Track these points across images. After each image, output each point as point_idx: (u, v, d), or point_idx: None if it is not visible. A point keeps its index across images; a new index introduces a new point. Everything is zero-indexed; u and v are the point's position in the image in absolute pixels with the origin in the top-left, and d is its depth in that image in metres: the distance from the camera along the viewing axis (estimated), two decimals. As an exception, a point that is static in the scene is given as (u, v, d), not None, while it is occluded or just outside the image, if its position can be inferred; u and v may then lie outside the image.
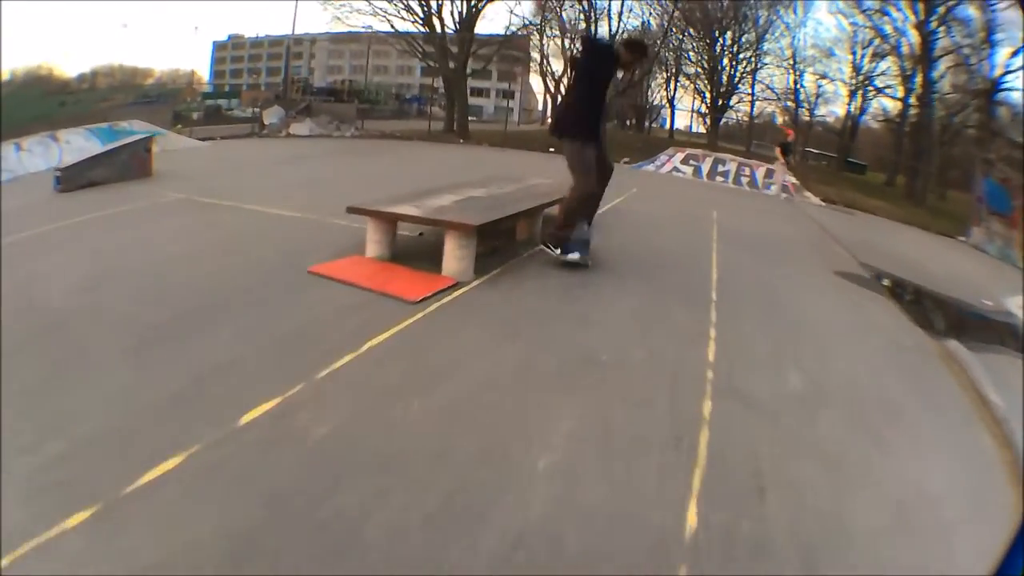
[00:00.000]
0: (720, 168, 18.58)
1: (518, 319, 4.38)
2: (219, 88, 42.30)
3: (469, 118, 39.19)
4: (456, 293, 4.75)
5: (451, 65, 23.81)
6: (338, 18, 27.51)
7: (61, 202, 8.68)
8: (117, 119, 17.09)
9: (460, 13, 23.48)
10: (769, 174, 17.86)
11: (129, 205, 7.99)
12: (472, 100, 45.60)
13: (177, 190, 9.00)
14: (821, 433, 3.29)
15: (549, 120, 33.43)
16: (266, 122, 21.78)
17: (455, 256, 5.01)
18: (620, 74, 7.09)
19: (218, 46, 51.42)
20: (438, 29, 23.61)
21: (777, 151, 16.03)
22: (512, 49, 33.10)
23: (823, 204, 17.08)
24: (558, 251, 5.73)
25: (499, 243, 6.11)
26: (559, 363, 3.70)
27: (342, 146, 18.20)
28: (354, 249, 5.60)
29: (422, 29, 23.87)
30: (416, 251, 5.62)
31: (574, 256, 5.72)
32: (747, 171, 18.25)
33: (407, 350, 3.74)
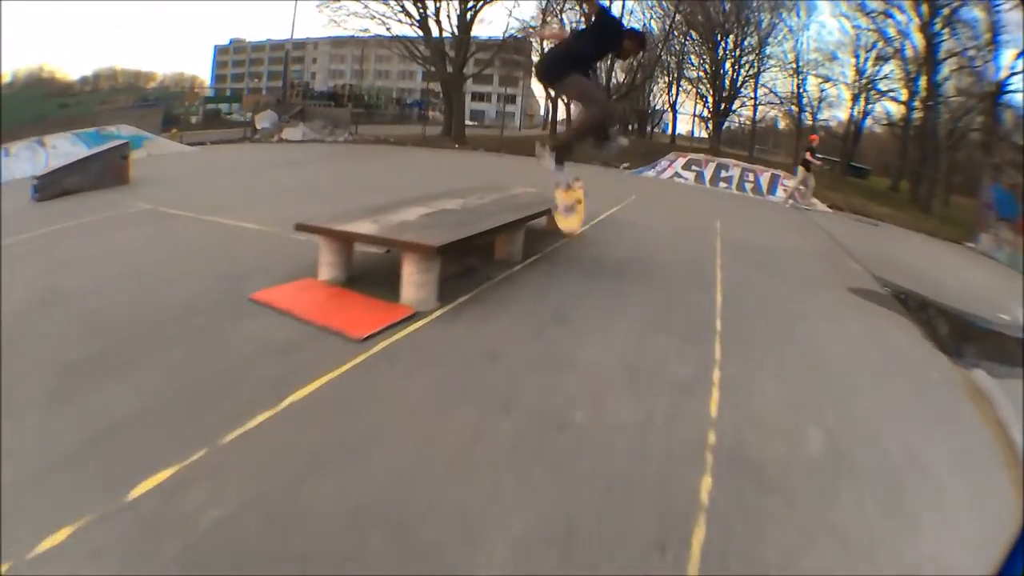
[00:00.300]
0: (723, 173, 17.75)
1: (480, 365, 3.62)
2: (220, 92, 41.86)
3: (471, 123, 38.63)
4: (411, 327, 4.01)
5: (448, 69, 23.09)
6: (334, 21, 26.87)
7: (34, 212, 8.22)
8: (109, 123, 16.60)
9: (457, 16, 22.76)
10: (775, 179, 17.12)
11: (93, 216, 7.43)
12: (474, 105, 45.17)
13: (147, 199, 8.38)
14: (843, 515, 2.59)
15: (549, 124, 32.85)
16: (258, 126, 21.19)
17: (414, 282, 4.27)
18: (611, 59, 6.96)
19: (219, 50, 51.14)
20: (434, 32, 22.89)
21: (808, 156, 15.16)
22: (513, 53, 32.54)
23: (830, 211, 16.33)
24: (554, 165, 5.83)
25: (473, 263, 5.41)
26: (520, 429, 2.97)
27: (333, 151, 17.49)
28: (309, 270, 4.89)
29: (418, 32, 23.18)
30: (379, 273, 4.90)
31: (561, 175, 5.94)
32: (751, 176, 17.47)
33: (335, 408, 3.02)
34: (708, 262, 7.02)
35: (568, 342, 4.07)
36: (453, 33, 22.75)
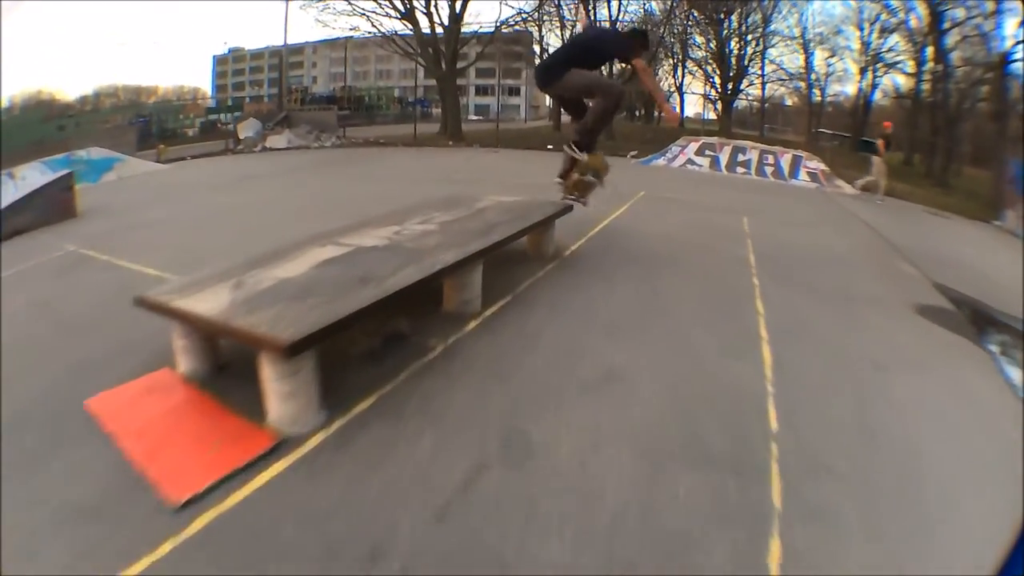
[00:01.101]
0: (740, 158, 15.71)
1: (361, 539, 2.01)
2: (222, 102, 40.49)
3: (476, 117, 36.92)
4: (267, 473, 2.41)
5: (441, 64, 21.30)
6: (320, 21, 25.24)
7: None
8: (101, 143, 15.34)
9: (448, 7, 20.94)
10: (796, 161, 15.25)
11: (22, 264, 6.09)
12: (479, 99, 43.48)
13: (77, 238, 6.99)
14: None
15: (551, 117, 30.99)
16: (241, 136, 19.56)
17: (276, 392, 2.65)
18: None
19: (218, 60, 49.79)
20: (424, 27, 21.09)
21: (880, 144, 13.54)
22: (512, 45, 30.82)
23: (859, 193, 14.49)
24: (584, 154, 5.74)
25: (399, 327, 3.78)
26: None
27: (313, 159, 15.78)
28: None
29: (407, 28, 21.36)
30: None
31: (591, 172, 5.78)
32: (770, 159, 15.49)
33: None
34: (744, 290, 5.30)
35: (537, 475, 2.43)
36: (443, 26, 20.92)
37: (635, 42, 5.55)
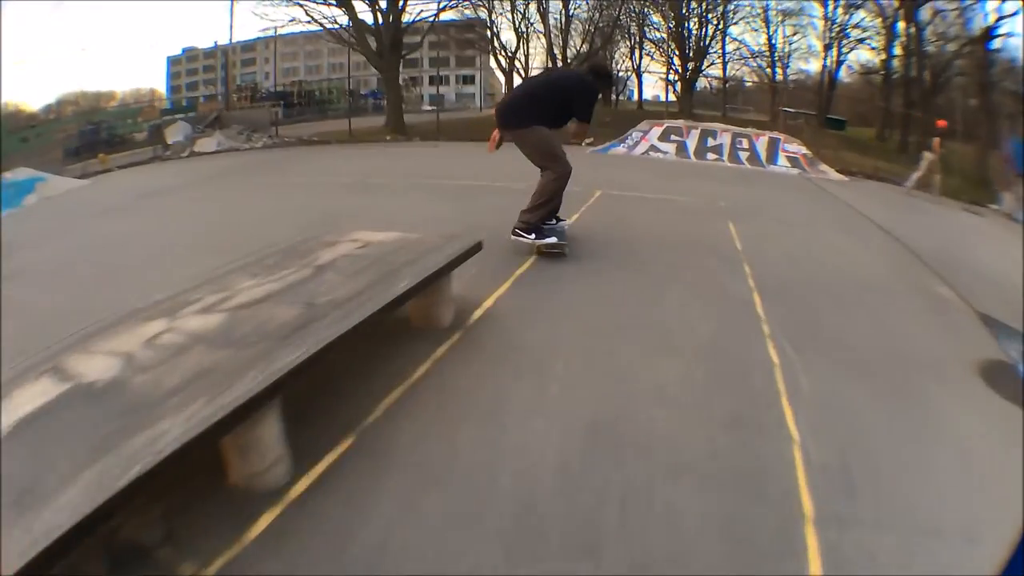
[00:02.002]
0: (710, 142, 13.36)
1: None
2: (177, 103, 37.74)
3: (430, 107, 34.31)
4: None
5: (379, 53, 18.68)
6: (257, 14, 22.56)
7: None
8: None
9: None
10: (774, 144, 12.96)
11: None
12: (432, 89, 40.77)
13: None
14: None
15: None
16: (169, 141, 16.92)
17: None
18: None
19: (172, 60, 46.32)
20: (368, 15, 18.45)
21: (935, 143, 11.93)
22: (466, 32, 28.32)
23: (845, 179, 12.30)
24: (532, 236, 4.79)
25: (135, 541, 1.72)
26: None
27: (234, 164, 13.16)
28: None
29: (342, 17, 18.69)
30: None
31: (551, 240, 4.83)
32: (744, 143, 13.19)
33: None
34: (758, 370, 3.21)
35: None
36: (381, 12, 18.21)
37: (594, 100, 4.97)
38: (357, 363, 2.95)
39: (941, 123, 12.98)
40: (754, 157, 12.82)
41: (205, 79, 45.36)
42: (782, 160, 12.66)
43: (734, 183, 10.30)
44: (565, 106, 4.81)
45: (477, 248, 3.54)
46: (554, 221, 5.09)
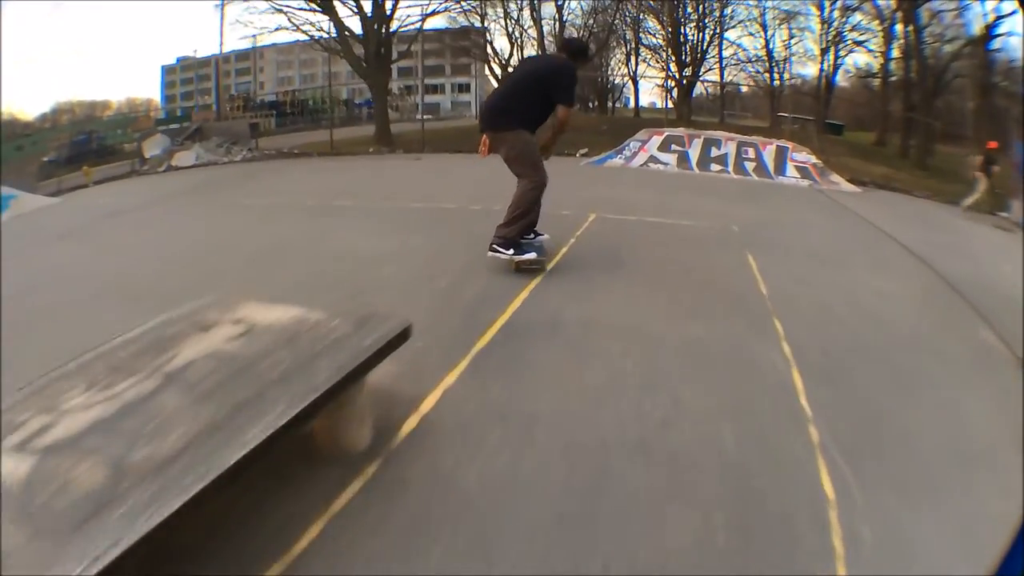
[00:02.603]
0: (714, 152, 12.10)
1: None
2: (172, 112, 36.76)
3: (426, 116, 33.15)
4: None
5: (364, 61, 17.49)
6: (240, 22, 21.50)
7: None
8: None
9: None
10: (782, 154, 11.73)
11: None
12: (429, 98, 39.66)
13: None
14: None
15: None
16: (146, 155, 15.78)
17: None
18: None
19: (167, 70, 45.24)
20: (354, 21, 17.29)
21: (991, 168, 10.98)
22: (461, 40, 27.29)
23: (858, 190, 11.08)
24: (511, 252, 4.47)
25: None
26: None
27: (205, 180, 11.90)
28: None
29: (328, 25, 17.49)
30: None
31: (531, 255, 4.54)
32: (750, 152, 11.92)
33: None
34: (805, 501, 2.15)
35: None
36: (367, 17, 16.96)
37: (573, 80, 4.56)
38: (216, 518, 1.76)
39: (992, 145, 11.86)
40: (761, 168, 11.58)
41: (200, 88, 44.29)
42: (791, 170, 11.44)
43: (744, 200, 9.08)
44: (546, 95, 4.44)
45: (403, 338, 2.33)
46: (532, 235, 4.76)
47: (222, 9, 25.98)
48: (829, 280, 4.99)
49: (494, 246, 4.52)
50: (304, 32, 18.04)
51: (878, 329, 3.98)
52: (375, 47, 16.81)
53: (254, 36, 20.66)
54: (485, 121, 4.72)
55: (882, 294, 4.82)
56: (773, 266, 5.11)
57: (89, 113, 43.58)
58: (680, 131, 13.16)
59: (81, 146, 20.42)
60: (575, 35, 22.00)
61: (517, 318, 3.71)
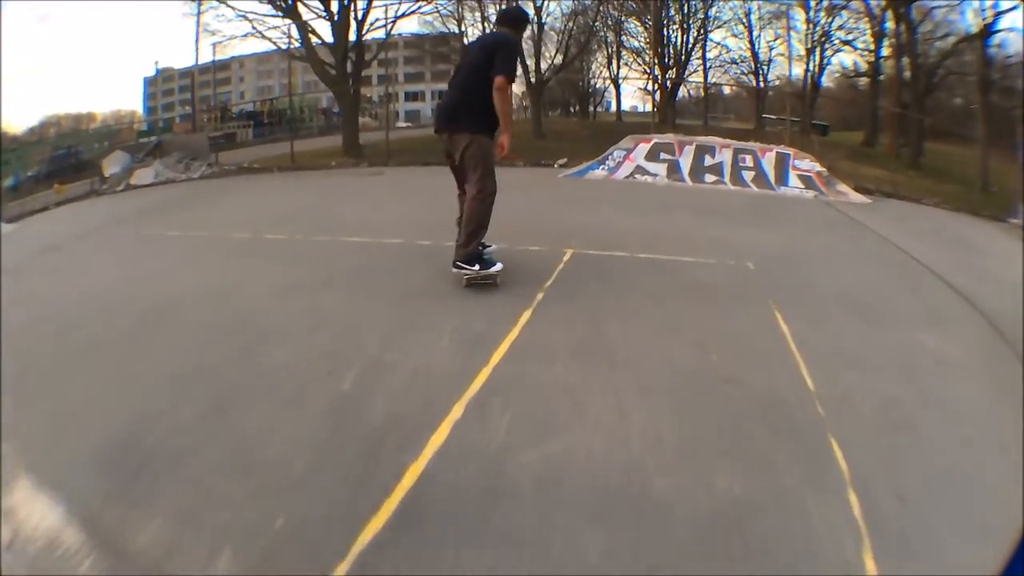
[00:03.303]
0: (708, 160, 10.56)
1: None
2: (154, 124, 35.23)
3: (405, 124, 31.68)
4: None
5: (346, 70, 16.01)
6: (209, 31, 19.93)
7: None
8: None
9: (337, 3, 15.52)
10: (783, 161, 10.26)
11: None
12: (408, 105, 38.20)
13: None
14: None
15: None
16: (106, 173, 14.36)
17: None
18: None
19: (149, 81, 43.64)
20: (327, 31, 15.80)
21: None
22: (441, 46, 25.86)
23: (867, 200, 9.67)
24: (476, 267, 4.21)
25: None
26: None
27: (155, 202, 10.21)
28: None
29: (292, 28, 15.95)
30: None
31: (498, 267, 4.27)
32: (748, 160, 10.42)
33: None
34: None
35: None
36: (334, 22, 15.41)
37: (511, 50, 4.19)
38: None
39: None
40: (761, 178, 10.08)
41: (181, 100, 42.62)
42: (793, 180, 9.99)
43: (749, 219, 7.59)
44: (483, 76, 4.11)
45: None
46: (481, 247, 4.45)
47: (197, 19, 24.27)
48: (882, 350, 3.52)
49: (458, 263, 4.27)
50: (269, 39, 16.44)
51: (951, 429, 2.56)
52: (342, 54, 15.25)
53: (218, 43, 18.94)
54: (440, 122, 4.42)
55: (945, 363, 3.37)
56: (812, 332, 3.65)
57: (75, 126, 41.98)
58: (669, 138, 11.59)
59: (61, 161, 19.03)
60: (555, 38, 20.52)
61: (437, 466, 2.22)
